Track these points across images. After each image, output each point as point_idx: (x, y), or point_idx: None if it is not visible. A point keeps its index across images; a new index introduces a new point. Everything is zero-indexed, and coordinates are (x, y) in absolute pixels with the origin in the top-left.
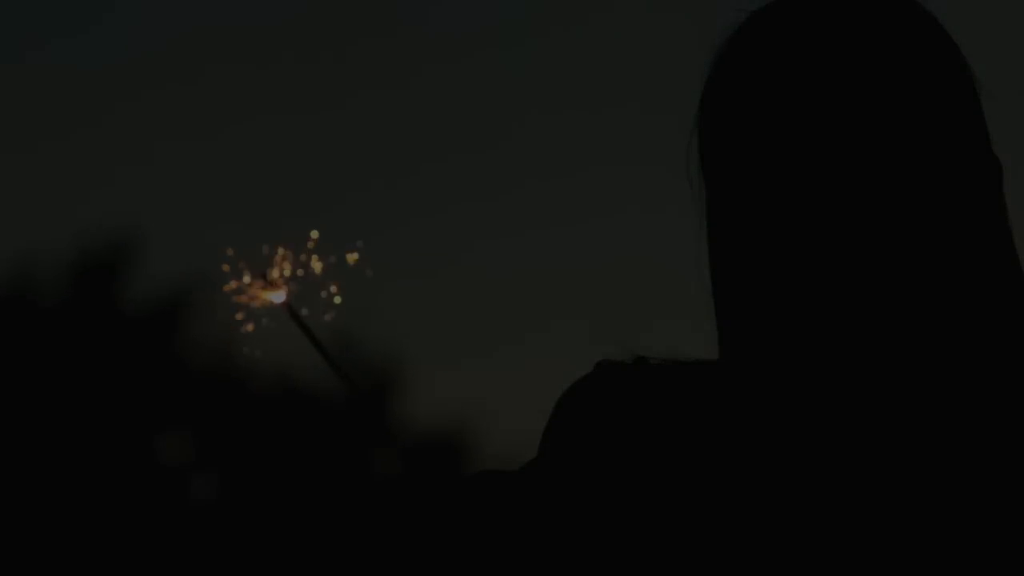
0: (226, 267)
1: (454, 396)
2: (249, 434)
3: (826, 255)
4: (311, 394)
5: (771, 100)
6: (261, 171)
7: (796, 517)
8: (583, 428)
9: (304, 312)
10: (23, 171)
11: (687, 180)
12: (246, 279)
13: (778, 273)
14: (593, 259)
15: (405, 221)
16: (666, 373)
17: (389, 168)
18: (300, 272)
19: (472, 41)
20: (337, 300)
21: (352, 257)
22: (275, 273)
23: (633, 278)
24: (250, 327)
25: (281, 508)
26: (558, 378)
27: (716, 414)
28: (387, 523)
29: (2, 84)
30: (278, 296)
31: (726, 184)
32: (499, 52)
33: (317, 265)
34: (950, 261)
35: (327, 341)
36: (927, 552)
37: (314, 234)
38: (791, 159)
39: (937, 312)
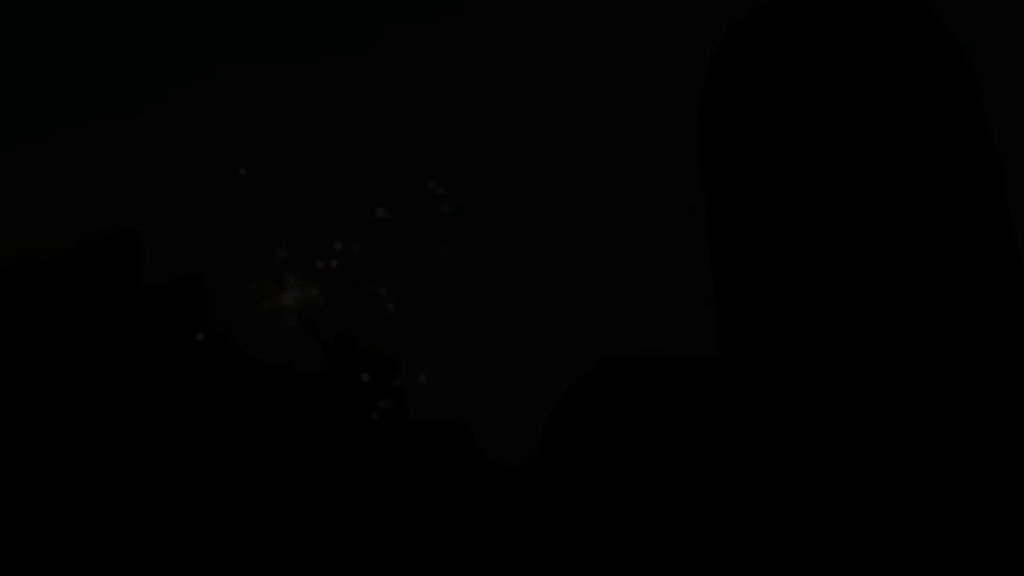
0: (233, 268)
1: (455, 394)
2: (249, 431)
3: (826, 255)
4: (311, 393)
5: (772, 100)
6: (265, 171)
7: (796, 514)
8: (586, 425)
9: (309, 313)
10: (23, 171)
11: (688, 182)
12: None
13: (778, 272)
14: (595, 257)
15: (407, 220)
16: (668, 370)
17: (389, 169)
18: (304, 273)
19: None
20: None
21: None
22: (282, 274)
23: (635, 279)
24: (253, 327)
25: (281, 506)
26: (561, 375)
27: (717, 411)
28: (387, 520)
29: (5, 84)
30: (286, 298)
31: (728, 185)
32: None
33: (322, 265)
34: (950, 259)
35: (331, 341)
36: (925, 549)
37: (321, 234)
38: (792, 160)
39: (937, 311)
